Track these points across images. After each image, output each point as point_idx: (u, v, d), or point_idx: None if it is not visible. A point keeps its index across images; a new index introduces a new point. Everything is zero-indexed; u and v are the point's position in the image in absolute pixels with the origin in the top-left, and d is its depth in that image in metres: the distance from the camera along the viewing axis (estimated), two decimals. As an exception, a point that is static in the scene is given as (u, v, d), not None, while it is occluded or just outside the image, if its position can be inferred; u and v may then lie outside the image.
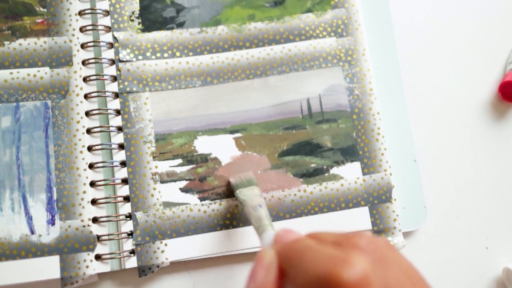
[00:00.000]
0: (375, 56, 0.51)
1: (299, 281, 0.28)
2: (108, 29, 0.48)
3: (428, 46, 0.54)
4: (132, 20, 0.49)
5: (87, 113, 0.46)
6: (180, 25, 0.49)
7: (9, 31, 0.47)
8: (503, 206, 0.51)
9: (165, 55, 0.48)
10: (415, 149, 0.50)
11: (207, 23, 0.50)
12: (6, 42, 0.47)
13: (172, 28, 0.49)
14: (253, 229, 0.45)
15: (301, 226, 0.46)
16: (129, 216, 0.45)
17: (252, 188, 0.44)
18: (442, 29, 0.54)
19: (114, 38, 0.48)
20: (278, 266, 0.30)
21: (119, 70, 0.47)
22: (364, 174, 0.48)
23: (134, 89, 0.47)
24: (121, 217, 0.45)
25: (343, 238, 0.30)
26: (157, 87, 0.48)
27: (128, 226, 0.45)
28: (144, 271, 0.44)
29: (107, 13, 0.48)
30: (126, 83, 0.47)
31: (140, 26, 0.49)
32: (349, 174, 0.48)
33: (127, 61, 0.48)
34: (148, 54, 0.48)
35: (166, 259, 0.44)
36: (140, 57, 0.48)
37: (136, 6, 0.49)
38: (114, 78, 0.47)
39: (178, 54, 0.49)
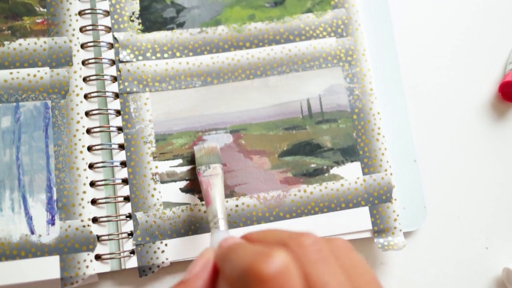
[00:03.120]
0: (375, 56, 0.51)
1: (227, 276, 0.29)
2: (108, 29, 0.48)
3: (428, 46, 0.54)
4: (132, 21, 0.49)
5: (87, 113, 0.46)
6: (180, 25, 0.49)
7: (9, 31, 0.47)
8: (503, 206, 0.51)
9: (165, 55, 0.48)
10: (415, 149, 0.50)
11: (207, 23, 0.50)
12: (6, 42, 0.47)
13: (172, 29, 0.49)
14: (254, 229, 0.46)
15: (301, 226, 0.46)
16: (129, 216, 0.45)
17: (215, 167, 0.44)
18: (442, 29, 0.54)
19: (114, 38, 0.48)
20: (214, 265, 0.32)
21: (119, 71, 0.47)
22: (364, 174, 0.48)
23: (134, 89, 0.47)
24: (121, 217, 0.45)
25: (286, 238, 0.30)
26: (157, 87, 0.48)
27: (128, 226, 0.45)
28: (145, 271, 0.44)
29: (107, 13, 0.48)
30: (126, 84, 0.47)
31: (140, 27, 0.49)
32: (349, 174, 0.48)
33: (127, 61, 0.48)
34: (148, 54, 0.48)
35: (166, 259, 0.44)
36: (140, 58, 0.48)
37: (136, 7, 0.49)
38: (114, 79, 0.47)
39: (178, 54, 0.49)
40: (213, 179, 0.43)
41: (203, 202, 0.46)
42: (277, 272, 0.26)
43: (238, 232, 0.46)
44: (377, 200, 0.48)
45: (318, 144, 0.48)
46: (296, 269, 0.27)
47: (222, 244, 0.33)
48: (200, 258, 0.32)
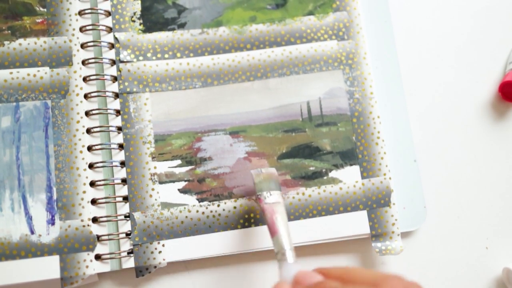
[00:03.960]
0: (375, 56, 0.51)
1: None
2: (109, 29, 0.48)
3: (428, 46, 0.54)
4: (134, 21, 0.49)
5: (87, 113, 0.46)
6: (181, 26, 0.49)
7: (9, 31, 0.47)
8: (503, 206, 0.51)
9: (166, 56, 0.48)
10: (415, 149, 0.50)
11: (208, 24, 0.49)
12: (6, 42, 0.46)
13: (173, 29, 0.49)
14: (251, 231, 0.46)
15: (299, 229, 0.46)
16: (128, 216, 0.45)
17: (277, 193, 0.43)
18: (442, 30, 0.54)
19: (115, 38, 0.48)
20: None
21: (120, 71, 0.47)
22: (363, 178, 0.48)
23: (134, 89, 0.47)
24: (120, 217, 0.45)
25: (376, 279, 0.30)
26: (157, 88, 0.48)
27: (127, 226, 0.45)
28: (141, 271, 0.44)
29: (108, 13, 0.48)
30: (126, 84, 0.47)
31: (141, 27, 0.49)
32: (348, 177, 0.48)
33: (127, 61, 0.48)
34: (148, 55, 0.48)
35: (164, 259, 0.45)
36: (140, 58, 0.48)
37: (137, 7, 0.49)
38: (114, 78, 0.47)
39: (178, 55, 0.48)
40: (277, 207, 0.42)
41: (201, 204, 0.46)
42: None
43: (236, 234, 0.46)
44: (375, 204, 0.48)
45: (317, 147, 0.48)
46: None
47: (300, 280, 0.33)
48: None
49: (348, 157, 0.48)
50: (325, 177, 0.48)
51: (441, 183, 0.51)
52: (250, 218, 0.46)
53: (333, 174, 0.48)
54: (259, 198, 0.43)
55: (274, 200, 0.42)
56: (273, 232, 0.40)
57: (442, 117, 0.52)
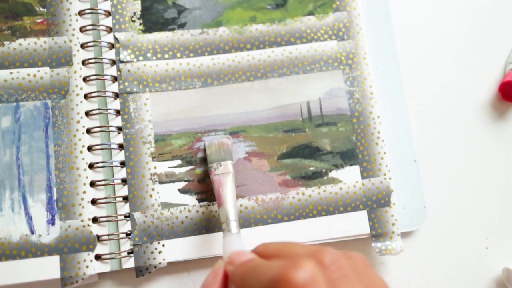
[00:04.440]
0: (374, 56, 0.51)
1: None
2: (109, 29, 0.48)
3: (428, 46, 0.54)
4: (134, 21, 0.49)
5: (87, 113, 0.46)
6: (181, 26, 0.49)
7: (9, 31, 0.47)
8: (503, 206, 0.51)
9: (166, 56, 0.48)
10: (415, 149, 0.50)
11: (208, 24, 0.49)
12: (6, 42, 0.46)
13: (173, 29, 0.49)
14: (251, 231, 0.46)
15: (299, 229, 0.46)
16: (128, 216, 0.45)
17: (227, 164, 0.44)
18: (442, 30, 0.54)
19: (115, 38, 0.48)
20: (224, 276, 0.34)
21: (120, 71, 0.47)
22: (363, 178, 0.48)
23: (134, 89, 0.47)
24: (120, 217, 0.45)
25: (309, 252, 0.30)
26: (157, 88, 0.48)
27: (127, 226, 0.45)
28: (141, 271, 0.45)
29: (108, 13, 0.48)
30: (126, 84, 0.47)
31: (141, 27, 0.49)
32: (348, 177, 0.48)
33: (127, 61, 0.48)
34: (148, 55, 0.48)
35: (164, 259, 0.45)
36: (140, 58, 0.48)
37: (137, 7, 0.49)
38: (114, 79, 0.47)
39: (178, 55, 0.48)
40: (224, 178, 0.43)
41: (201, 204, 0.46)
42: (308, 280, 0.27)
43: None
44: (375, 204, 0.48)
45: (317, 147, 0.48)
46: (323, 278, 0.28)
47: (234, 259, 0.34)
48: (212, 271, 0.34)
49: (348, 157, 0.48)
50: (325, 177, 0.48)
51: (441, 183, 0.51)
52: (250, 219, 0.46)
53: (333, 174, 0.48)
54: (210, 170, 0.44)
55: (223, 171, 0.44)
56: (219, 203, 0.42)
57: (442, 117, 0.52)
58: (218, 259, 0.46)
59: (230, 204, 0.41)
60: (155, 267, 0.44)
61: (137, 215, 0.45)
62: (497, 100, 0.53)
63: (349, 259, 0.30)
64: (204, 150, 0.47)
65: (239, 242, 0.38)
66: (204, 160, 0.47)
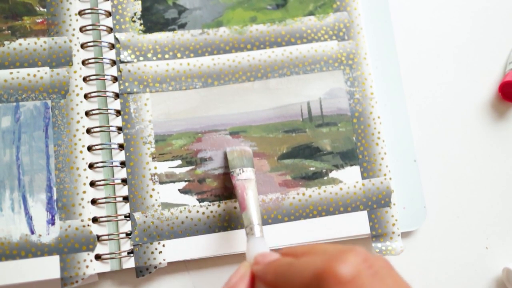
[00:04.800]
0: (375, 56, 0.51)
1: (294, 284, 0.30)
2: (110, 29, 0.48)
3: (428, 46, 0.54)
4: (134, 21, 0.49)
5: (87, 113, 0.46)
6: (182, 26, 0.49)
7: (9, 31, 0.47)
8: (503, 206, 0.51)
9: (166, 56, 0.48)
10: (415, 149, 0.50)
11: (209, 24, 0.49)
12: (6, 42, 0.46)
13: (173, 30, 0.49)
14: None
15: (299, 230, 0.46)
16: (128, 216, 0.45)
17: (249, 170, 0.44)
18: (442, 30, 0.54)
19: (116, 39, 0.48)
20: (251, 278, 0.34)
21: (120, 71, 0.47)
22: (363, 178, 0.48)
23: (135, 90, 0.47)
24: (120, 217, 0.45)
25: (335, 251, 0.30)
26: (158, 88, 0.48)
27: (127, 226, 0.45)
28: (142, 271, 0.44)
29: (108, 14, 0.48)
30: (126, 84, 0.47)
31: (141, 27, 0.49)
32: (348, 178, 0.48)
33: (128, 62, 0.48)
34: (149, 55, 0.48)
35: (164, 260, 0.45)
36: (141, 58, 0.48)
37: (138, 7, 0.49)
38: (115, 79, 0.47)
39: (179, 55, 0.48)
40: (248, 183, 0.43)
41: (202, 204, 0.46)
42: (354, 274, 0.28)
43: (237, 235, 0.46)
44: (375, 204, 0.48)
45: (317, 148, 0.48)
46: (366, 273, 0.28)
47: (259, 260, 0.34)
48: (237, 272, 0.34)
49: (348, 157, 0.48)
50: (325, 178, 0.48)
51: (441, 183, 0.51)
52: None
53: (334, 174, 0.48)
54: (232, 175, 0.44)
55: (246, 177, 0.44)
56: (242, 208, 0.42)
57: (442, 117, 0.52)
58: (219, 259, 0.46)
59: (254, 208, 0.41)
60: (155, 267, 0.44)
61: (137, 215, 0.45)
62: (497, 100, 0.53)
63: (375, 259, 0.30)
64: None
65: (263, 246, 0.38)
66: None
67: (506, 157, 0.52)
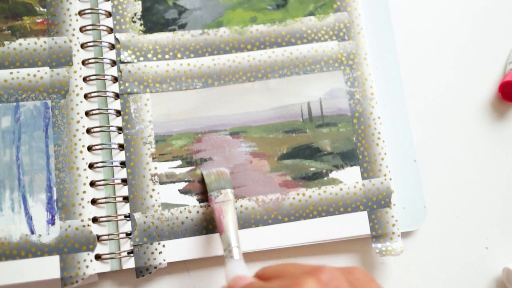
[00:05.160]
0: (375, 56, 0.51)
1: None
2: (110, 30, 0.48)
3: (428, 46, 0.54)
4: (134, 22, 0.49)
5: (87, 113, 0.46)
6: (182, 26, 0.49)
7: (9, 31, 0.47)
8: (503, 206, 0.51)
9: (166, 56, 0.48)
10: (415, 149, 0.50)
11: (209, 25, 0.49)
12: (6, 42, 0.46)
13: (173, 30, 0.49)
14: (252, 232, 0.46)
15: (299, 230, 0.46)
16: (128, 217, 0.45)
17: (227, 192, 0.44)
18: (442, 29, 0.54)
19: (116, 39, 0.48)
20: None
21: (120, 71, 0.47)
22: (363, 178, 0.48)
23: (135, 90, 0.47)
24: (120, 218, 0.45)
25: (308, 271, 0.30)
26: (158, 88, 0.48)
27: (127, 226, 0.45)
28: (142, 272, 0.44)
29: (109, 14, 0.48)
30: (127, 84, 0.47)
31: (142, 28, 0.49)
32: (349, 178, 0.48)
33: (128, 62, 0.48)
34: (149, 55, 0.48)
35: (164, 260, 0.45)
36: (141, 59, 0.48)
37: (138, 8, 0.49)
38: (115, 79, 0.47)
39: (179, 55, 0.48)
40: (225, 206, 0.43)
41: (202, 204, 0.46)
42: None
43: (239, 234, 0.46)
44: (375, 205, 0.48)
45: (317, 148, 0.48)
46: None
47: (235, 284, 0.34)
48: None
49: (348, 157, 0.48)
50: (325, 178, 0.48)
51: (441, 183, 0.51)
52: (251, 219, 0.46)
53: (334, 174, 0.48)
54: (210, 198, 0.44)
55: (223, 199, 0.44)
56: (220, 231, 0.42)
57: (442, 117, 0.52)
58: (220, 259, 0.46)
59: (232, 231, 0.41)
60: (156, 267, 0.44)
61: (137, 215, 0.45)
62: (497, 100, 0.53)
63: (349, 274, 0.30)
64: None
65: (242, 268, 0.38)
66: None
67: (506, 157, 0.52)
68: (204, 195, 0.46)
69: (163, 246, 0.45)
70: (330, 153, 0.48)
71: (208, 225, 0.46)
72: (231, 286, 0.34)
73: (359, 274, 0.31)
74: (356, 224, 0.47)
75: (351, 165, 0.48)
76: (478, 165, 0.52)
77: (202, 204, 0.46)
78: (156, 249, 0.45)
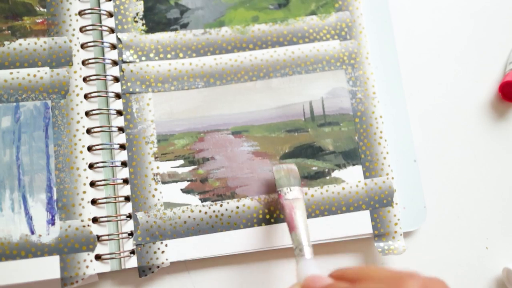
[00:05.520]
0: (375, 56, 0.51)
1: None
2: (111, 30, 0.48)
3: (428, 46, 0.54)
4: (136, 21, 0.49)
5: (87, 113, 0.46)
6: (184, 26, 0.49)
7: (9, 31, 0.47)
8: (503, 206, 0.52)
9: (168, 56, 0.48)
10: (415, 149, 0.50)
11: (211, 24, 0.50)
12: (6, 42, 0.46)
13: (175, 29, 0.49)
14: (254, 231, 0.46)
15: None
16: (130, 216, 0.45)
17: (297, 189, 0.43)
18: (442, 29, 0.55)
19: (118, 39, 0.48)
20: None
21: (123, 71, 0.47)
22: (365, 177, 0.48)
23: (137, 90, 0.47)
24: (122, 217, 0.45)
25: (391, 278, 0.30)
26: (160, 88, 0.48)
27: (128, 226, 0.45)
28: (144, 271, 0.44)
29: (110, 14, 0.48)
30: (129, 84, 0.47)
31: (144, 27, 0.49)
32: (351, 177, 0.48)
33: (130, 62, 0.48)
34: (151, 55, 0.48)
35: (166, 259, 0.44)
36: (143, 58, 0.48)
37: (140, 8, 0.49)
38: (115, 79, 0.47)
39: (181, 55, 0.49)
40: (296, 203, 0.42)
41: (204, 203, 0.46)
42: None
43: (239, 234, 0.46)
44: (378, 204, 0.48)
45: (320, 147, 0.48)
46: None
47: (309, 284, 0.33)
48: None
49: (350, 157, 0.48)
50: (327, 177, 0.48)
51: (441, 183, 0.51)
52: (253, 218, 0.46)
53: (336, 174, 0.48)
54: (279, 194, 0.43)
55: (293, 196, 0.43)
56: (291, 228, 0.41)
57: (442, 117, 0.53)
58: (221, 258, 0.46)
59: (303, 228, 0.40)
60: (158, 267, 0.44)
61: (140, 215, 0.45)
62: (497, 100, 0.54)
63: (430, 282, 0.30)
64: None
65: (314, 268, 0.37)
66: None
67: (506, 157, 0.53)
68: (206, 194, 0.46)
69: (166, 245, 0.45)
70: (332, 152, 0.48)
71: (211, 224, 0.45)
72: (309, 285, 0.33)
73: (439, 285, 0.30)
74: (359, 223, 0.47)
75: (353, 164, 0.48)
76: (478, 165, 0.52)
77: (204, 203, 0.46)
78: (158, 249, 0.44)
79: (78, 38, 0.47)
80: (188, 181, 0.46)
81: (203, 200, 0.46)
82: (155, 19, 0.49)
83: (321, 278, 0.34)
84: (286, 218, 0.42)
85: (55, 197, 0.44)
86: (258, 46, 0.50)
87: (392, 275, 0.30)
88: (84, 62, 0.47)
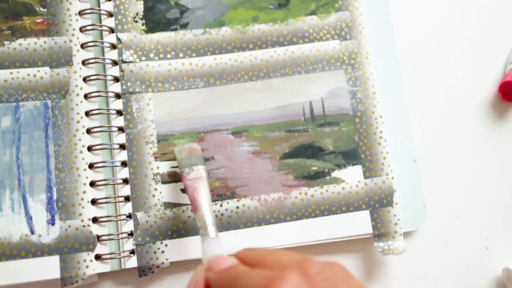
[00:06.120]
0: (375, 56, 0.51)
1: None
2: (111, 30, 0.48)
3: (428, 46, 0.54)
4: (136, 21, 0.49)
5: (87, 113, 0.46)
6: (184, 26, 0.49)
7: (9, 31, 0.47)
8: (503, 206, 0.52)
9: (168, 56, 0.48)
10: (415, 149, 0.50)
11: (211, 24, 0.50)
12: (6, 42, 0.46)
13: (175, 29, 0.49)
14: (254, 231, 0.46)
15: (301, 229, 0.46)
16: (130, 216, 0.45)
17: (199, 169, 0.43)
18: (442, 29, 0.55)
19: (118, 39, 0.48)
20: (206, 284, 0.33)
21: (123, 71, 0.47)
22: (365, 177, 0.48)
23: (137, 89, 0.47)
24: (122, 217, 0.45)
25: (292, 261, 0.30)
26: (160, 88, 0.48)
27: (128, 226, 0.45)
28: (144, 271, 0.44)
29: (110, 14, 0.48)
30: (129, 84, 0.47)
31: (144, 27, 0.49)
32: (351, 177, 0.48)
33: (130, 62, 0.48)
34: (151, 55, 0.48)
35: (166, 259, 0.44)
36: (143, 58, 0.48)
37: (140, 8, 0.49)
38: (115, 79, 0.47)
39: (181, 55, 0.48)
40: (198, 183, 0.42)
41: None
42: None
43: (240, 234, 0.46)
44: (378, 204, 0.48)
45: (320, 147, 0.48)
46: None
47: (214, 265, 0.33)
48: (192, 278, 0.33)
49: (350, 157, 0.48)
50: (327, 177, 0.48)
51: (441, 183, 0.51)
52: (253, 218, 0.46)
53: (336, 174, 0.48)
54: (182, 175, 0.43)
55: (195, 176, 0.42)
56: (195, 208, 0.41)
57: (442, 117, 0.53)
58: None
59: (206, 208, 0.40)
60: (158, 266, 0.44)
61: (139, 215, 0.45)
62: (497, 100, 0.54)
63: (329, 267, 0.30)
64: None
65: (218, 247, 0.37)
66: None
67: (506, 157, 0.53)
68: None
69: (166, 245, 0.45)
70: (332, 152, 0.48)
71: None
72: (210, 268, 0.33)
73: (339, 268, 0.30)
74: (359, 223, 0.47)
75: (353, 164, 0.48)
76: (478, 165, 0.52)
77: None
78: (158, 249, 0.44)
79: (78, 38, 0.47)
80: (188, 181, 0.46)
81: (203, 200, 0.46)
82: (155, 19, 0.49)
83: (224, 258, 0.34)
84: (189, 198, 0.42)
85: (55, 197, 0.44)
86: (258, 46, 0.49)
87: (289, 260, 0.30)
88: (84, 62, 0.47)
